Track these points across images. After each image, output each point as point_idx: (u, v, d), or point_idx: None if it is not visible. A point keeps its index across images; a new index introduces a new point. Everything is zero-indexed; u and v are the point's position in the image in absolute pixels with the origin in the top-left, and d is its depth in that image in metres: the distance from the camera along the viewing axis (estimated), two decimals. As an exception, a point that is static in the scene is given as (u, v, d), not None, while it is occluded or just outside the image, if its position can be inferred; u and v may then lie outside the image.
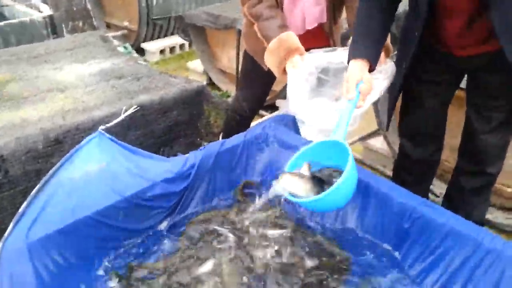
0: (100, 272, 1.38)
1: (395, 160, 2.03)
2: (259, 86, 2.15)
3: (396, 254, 1.45)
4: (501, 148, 1.65)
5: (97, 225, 1.39)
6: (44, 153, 1.86)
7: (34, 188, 1.42)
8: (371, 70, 1.41)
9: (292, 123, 1.87)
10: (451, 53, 1.52)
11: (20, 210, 1.33)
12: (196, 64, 3.91)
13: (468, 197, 1.73)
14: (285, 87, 3.00)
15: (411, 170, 1.87)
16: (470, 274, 1.25)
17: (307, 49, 1.68)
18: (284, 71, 1.67)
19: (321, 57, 1.61)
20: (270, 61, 1.71)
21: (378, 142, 2.66)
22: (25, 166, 1.81)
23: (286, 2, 1.76)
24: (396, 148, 2.50)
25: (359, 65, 1.38)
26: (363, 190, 1.50)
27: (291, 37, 1.66)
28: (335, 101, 1.55)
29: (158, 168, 1.55)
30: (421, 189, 1.86)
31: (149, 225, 1.54)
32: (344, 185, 1.25)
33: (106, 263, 1.40)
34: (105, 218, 1.40)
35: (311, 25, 1.80)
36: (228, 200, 1.70)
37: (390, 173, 2.56)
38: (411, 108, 1.74)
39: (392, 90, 1.67)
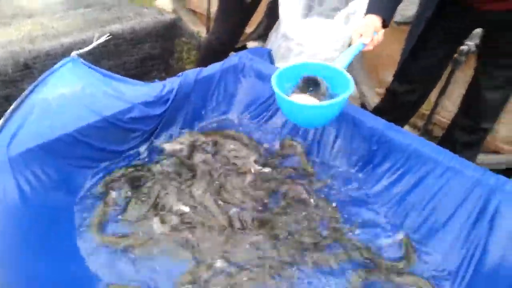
0: (81, 191, 1.41)
1: (379, 102, 2.11)
2: (236, 20, 2.14)
3: (360, 175, 1.56)
4: (499, 106, 1.75)
5: (76, 143, 1.40)
6: (13, 78, 1.81)
7: (6, 112, 1.40)
8: (384, 26, 1.46)
9: (267, 56, 1.90)
10: (472, 6, 1.56)
11: (-3, 127, 1.32)
12: (165, 2, 3.78)
13: (459, 151, 1.84)
14: (255, 30, 3.00)
15: (393, 111, 1.96)
16: (427, 187, 1.38)
17: None
18: None
19: None
20: None
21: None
22: (-6, 91, 1.77)
23: None
24: (364, 88, 2.61)
25: (376, 19, 1.44)
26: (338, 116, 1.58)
27: None
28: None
29: (136, 92, 1.56)
30: None
31: (127, 147, 1.56)
32: (341, 103, 1.29)
33: (87, 182, 1.42)
34: (84, 137, 1.41)
35: None
36: (206, 126, 1.73)
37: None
38: (417, 54, 1.79)
39: (409, 38, 1.74)
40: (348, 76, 1.34)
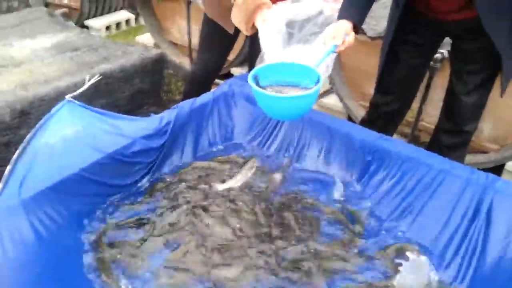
0: (92, 225, 1.44)
1: (365, 115, 2.19)
2: (220, 49, 2.22)
3: (358, 186, 1.63)
4: (477, 109, 1.83)
5: (83, 181, 1.44)
6: (11, 125, 1.85)
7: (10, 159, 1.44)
8: (355, 31, 1.55)
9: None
10: (436, 18, 1.67)
11: (6, 173, 1.35)
12: (145, 38, 3.88)
13: (446, 154, 1.90)
14: (237, 56, 3.10)
15: (377, 122, 2.04)
16: (423, 190, 1.46)
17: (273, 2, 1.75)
18: (253, 27, 1.74)
19: (288, 9, 1.69)
20: (238, 17, 1.75)
21: (331, 100, 2.85)
22: (-7, 140, 1.80)
23: None
24: (348, 102, 2.71)
25: (346, 23, 1.53)
26: (328, 132, 1.66)
27: None
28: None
29: (135, 127, 1.61)
30: None
31: (131, 181, 1.60)
32: (313, 95, 1.37)
33: (97, 216, 1.46)
34: (91, 175, 1.45)
35: None
36: (205, 155, 1.79)
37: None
38: (391, 67, 1.88)
39: (382, 52, 1.83)
40: (319, 72, 1.44)
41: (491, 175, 1.39)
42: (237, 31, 2.11)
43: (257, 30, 1.73)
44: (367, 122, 2.10)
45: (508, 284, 1.21)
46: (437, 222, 1.40)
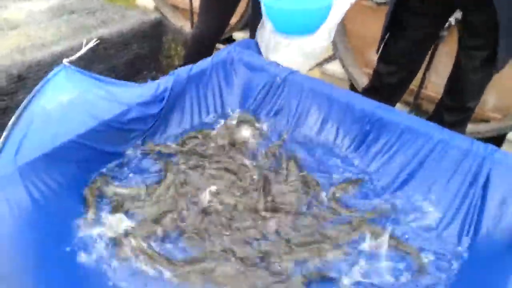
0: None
1: (368, 83, 2.15)
2: (221, 12, 2.17)
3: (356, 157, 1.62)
4: (482, 86, 1.80)
5: (80, 148, 1.43)
6: (8, 90, 1.83)
7: (7, 124, 1.43)
8: None
9: (255, 47, 1.94)
10: None
11: (1, 139, 1.35)
12: (146, 1, 3.79)
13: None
14: (239, 20, 3.03)
15: (380, 92, 2.01)
16: (422, 162, 1.44)
17: None
18: None
19: None
20: None
21: (334, 66, 2.80)
22: (-9, 104, 1.79)
23: None
24: (351, 70, 2.66)
25: None
26: (327, 102, 1.64)
27: None
28: None
29: (131, 93, 1.59)
30: None
31: (128, 147, 1.60)
32: (326, 8, 1.51)
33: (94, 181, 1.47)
34: (87, 141, 1.45)
35: None
36: (202, 123, 1.77)
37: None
38: (395, 37, 1.83)
39: (385, 18, 1.78)
40: None
41: (490, 146, 1.38)
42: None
43: None
44: (369, 91, 2.07)
45: (500, 250, 1.22)
46: (434, 190, 1.41)
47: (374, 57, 2.60)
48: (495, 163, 1.33)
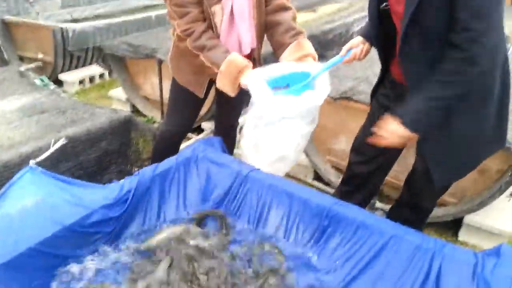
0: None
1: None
2: (189, 112, 2.29)
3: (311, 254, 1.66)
4: (436, 189, 1.82)
5: (41, 255, 1.43)
6: (-28, 193, 1.83)
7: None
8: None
9: (219, 144, 2.04)
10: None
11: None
12: (118, 92, 3.94)
13: None
14: (208, 111, 3.17)
15: (351, 181, 2.11)
16: (376, 255, 1.49)
17: None
18: (239, 87, 1.85)
19: (269, 69, 1.81)
20: (223, 83, 1.86)
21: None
22: (-48, 208, 1.78)
23: (223, 31, 1.92)
24: (314, 158, 2.79)
25: (360, 38, 1.82)
26: (287, 198, 1.71)
27: (237, 57, 1.85)
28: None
29: (95, 196, 1.63)
30: (359, 198, 2.10)
31: (89, 251, 1.60)
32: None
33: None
34: (47, 248, 1.45)
35: (246, 50, 1.99)
36: (167, 222, 1.80)
37: (310, 181, 2.85)
38: (365, 126, 1.97)
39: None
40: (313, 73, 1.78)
41: (439, 241, 1.45)
42: (206, 93, 2.19)
43: (240, 89, 1.86)
44: (343, 181, 2.17)
45: None
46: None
47: (334, 145, 2.75)
48: (445, 258, 1.40)
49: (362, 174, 2.06)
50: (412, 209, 1.97)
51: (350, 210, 1.62)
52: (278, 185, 1.76)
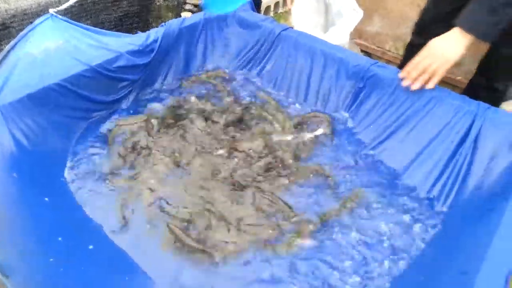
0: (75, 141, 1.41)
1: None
2: None
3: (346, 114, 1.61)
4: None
5: (66, 93, 1.39)
6: (-9, 39, 1.77)
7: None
8: None
9: (249, 6, 1.90)
10: None
11: (-17, 82, 1.30)
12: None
13: None
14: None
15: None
16: (413, 115, 1.44)
17: None
18: None
19: None
20: None
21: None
22: (-27, 52, 1.72)
23: None
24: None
25: None
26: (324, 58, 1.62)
27: None
28: None
29: (120, 42, 1.54)
30: None
31: (115, 98, 1.56)
32: None
33: (80, 131, 1.43)
34: (73, 87, 1.40)
35: None
36: (190, 76, 1.73)
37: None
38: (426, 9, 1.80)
39: None
40: None
41: (482, 104, 1.37)
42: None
43: None
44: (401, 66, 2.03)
45: (487, 204, 1.22)
46: (421, 146, 1.40)
47: (367, 27, 2.58)
48: (486, 120, 1.33)
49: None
50: (486, 90, 1.81)
51: (389, 71, 1.52)
52: (313, 44, 1.66)
